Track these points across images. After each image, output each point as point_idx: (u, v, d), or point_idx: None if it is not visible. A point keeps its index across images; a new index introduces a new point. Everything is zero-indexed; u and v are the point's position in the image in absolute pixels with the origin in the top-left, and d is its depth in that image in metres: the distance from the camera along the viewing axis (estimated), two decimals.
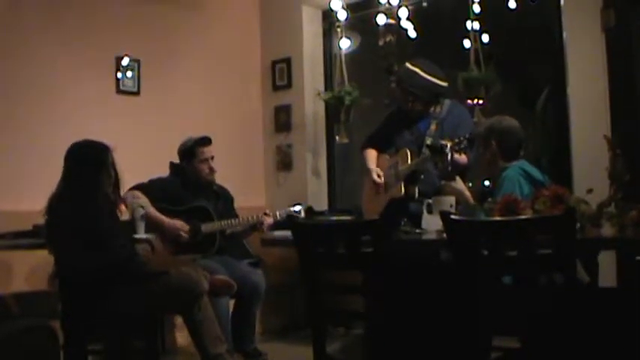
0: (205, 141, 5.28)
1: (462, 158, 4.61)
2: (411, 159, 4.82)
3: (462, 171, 4.68)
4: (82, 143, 4.25)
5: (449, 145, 4.30)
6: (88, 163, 4.19)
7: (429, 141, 4.83)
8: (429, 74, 4.90)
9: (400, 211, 4.59)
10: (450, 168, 4.41)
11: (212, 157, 5.28)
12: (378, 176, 5.08)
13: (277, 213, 5.30)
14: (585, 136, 5.34)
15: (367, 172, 5.21)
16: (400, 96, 5.06)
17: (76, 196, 4.09)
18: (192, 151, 5.24)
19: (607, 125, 5.21)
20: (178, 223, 5.05)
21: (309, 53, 7.01)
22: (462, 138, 4.28)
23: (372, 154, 5.27)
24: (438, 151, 4.40)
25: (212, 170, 5.29)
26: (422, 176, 4.79)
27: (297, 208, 5.38)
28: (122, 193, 4.46)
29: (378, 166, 5.18)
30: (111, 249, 4.08)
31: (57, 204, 4.11)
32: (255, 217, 5.29)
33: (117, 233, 4.17)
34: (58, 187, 4.16)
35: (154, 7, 6.37)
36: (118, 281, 4.04)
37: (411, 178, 4.81)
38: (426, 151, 4.73)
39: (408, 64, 5.03)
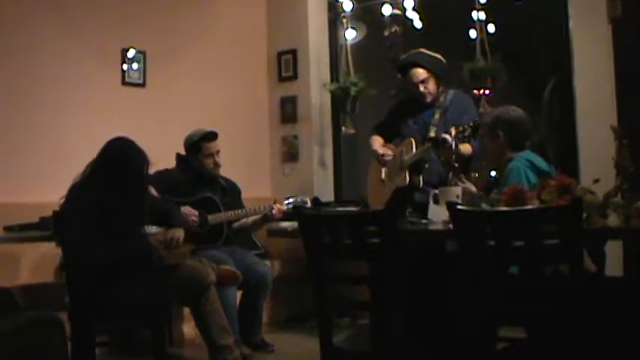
0: (211, 136, 5.26)
1: (466, 149, 4.61)
2: (416, 148, 4.82)
3: (467, 161, 4.68)
4: (127, 144, 4.25)
5: (453, 134, 4.30)
6: (125, 165, 4.19)
7: (432, 131, 4.83)
8: (432, 52, 4.99)
9: (405, 200, 4.59)
10: (454, 159, 4.43)
11: (217, 152, 5.27)
12: (385, 152, 5.09)
13: (283, 203, 5.28)
14: (592, 126, 5.34)
15: (372, 153, 5.22)
16: (411, 81, 5.04)
17: (101, 189, 4.08)
18: (197, 145, 5.23)
19: (613, 115, 5.21)
20: (186, 209, 5.04)
21: (315, 44, 7.01)
22: (465, 126, 4.28)
23: (377, 140, 5.28)
24: (439, 143, 4.41)
25: (217, 165, 5.28)
26: (426, 165, 4.79)
27: (292, 200, 5.33)
28: None
29: None
30: (130, 242, 4.11)
31: (78, 192, 4.11)
32: (263, 207, 5.27)
33: (137, 228, 4.19)
34: (84, 176, 4.15)
35: None
36: (129, 273, 4.04)
37: (415, 167, 4.81)
38: (427, 142, 4.73)
39: (410, 52, 5.11)
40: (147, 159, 4.22)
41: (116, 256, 4.00)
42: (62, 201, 4.13)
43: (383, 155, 5.13)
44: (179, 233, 4.49)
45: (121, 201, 4.10)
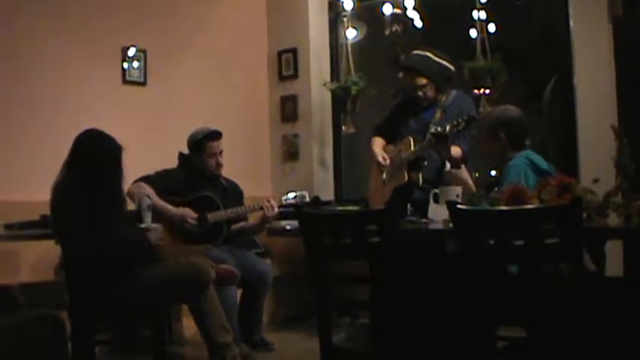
0: (215, 135, 5.25)
1: (456, 152, 4.61)
2: (414, 146, 4.83)
3: (457, 163, 4.69)
4: (95, 133, 4.22)
5: (448, 128, 4.31)
6: (97, 154, 4.16)
7: (432, 128, 4.83)
8: (440, 58, 4.95)
9: (405, 199, 4.59)
10: (448, 156, 4.46)
11: (220, 152, 5.26)
12: (384, 158, 5.08)
13: (282, 198, 5.25)
14: (592, 125, 5.34)
15: (372, 155, 5.20)
16: (411, 84, 5.05)
17: (80, 183, 4.07)
18: (201, 144, 5.23)
19: (614, 114, 5.21)
20: (185, 211, 5.04)
21: (316, 43, 7.01)
22: (459, 120, 4.29)
23: (378, 141, 5.27)
24: (440, 137, 4.41)
25: (219, 165, 5.27)
26: (425, 163, 4.79)
27: (292, 195, 5.30)
28: (127, 186, 4.45)
29: None
30: (122, 233, 4.10)
31: (61, 191, 4.10)
32: (258, 204, 5.24)
33: (118, 222, 4.17)
34: (61, 174, 4.14)
35: None
36: (129, 271, 4.04)
37: (413, 165, 4.81)
38: (428, 137, 4.73)
39: (417, 51, 5.07)
40: (118, 145, 4.19)
41: (113, 249, 3.99)
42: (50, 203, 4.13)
43: (381, 162, 5.11)
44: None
45: (101, 190, 4.08)
